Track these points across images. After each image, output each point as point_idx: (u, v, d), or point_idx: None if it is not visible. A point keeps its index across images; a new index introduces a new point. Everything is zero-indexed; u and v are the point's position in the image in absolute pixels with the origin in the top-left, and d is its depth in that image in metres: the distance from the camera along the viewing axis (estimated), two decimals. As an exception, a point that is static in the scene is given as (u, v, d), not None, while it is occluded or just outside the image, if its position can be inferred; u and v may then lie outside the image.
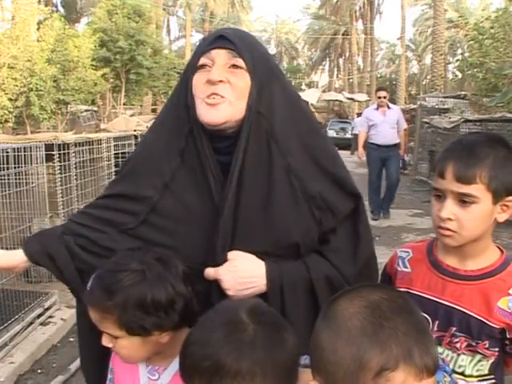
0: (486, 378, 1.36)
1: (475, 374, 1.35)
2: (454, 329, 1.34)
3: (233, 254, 1.27)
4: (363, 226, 1.41)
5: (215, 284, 1.28)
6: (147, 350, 1.21)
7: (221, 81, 1.25)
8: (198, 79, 1.28)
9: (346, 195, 1.37)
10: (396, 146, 8.13)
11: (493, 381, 1.37)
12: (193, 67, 1.31)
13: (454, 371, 1.32)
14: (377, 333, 0.83)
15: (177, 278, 1.18)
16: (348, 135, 23.61)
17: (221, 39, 1.29)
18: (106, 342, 1.20)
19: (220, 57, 1.27)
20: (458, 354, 1.35)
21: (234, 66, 1.27)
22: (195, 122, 1.29)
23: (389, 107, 8.17)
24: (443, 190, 1.30)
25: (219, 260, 1.27)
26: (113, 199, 1.40)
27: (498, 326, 1.31)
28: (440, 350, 1.35)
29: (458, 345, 1.35)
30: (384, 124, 7.95)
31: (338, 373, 0.85)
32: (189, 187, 1.31)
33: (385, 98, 8.09)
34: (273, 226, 1.28)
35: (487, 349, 1.33)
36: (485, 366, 1.35)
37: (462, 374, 1.35)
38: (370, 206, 7.94)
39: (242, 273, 1.26)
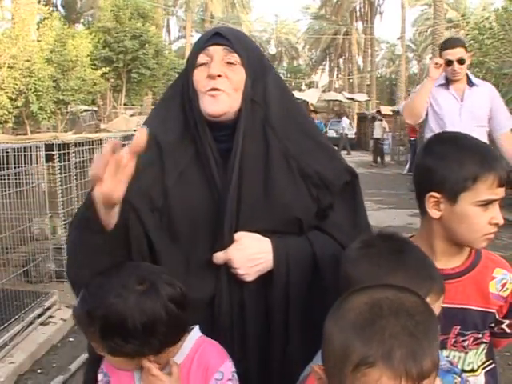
0: (486, 364, 1.40)
1: (480, 363, 1.39)
2: (459, 328, 1.36)
3: (238, 235, 1.34)
4: (359, 200, 1.50)
5: (224, 267, 1.33)
6: (137, 365, 1.22)
7: (219, 75, 1.36)
8: (199, 75, 1.40)
9: (342, 170, 1.46)
10: None
11: (493, 365, 1.41)
12: (192, 63, 1.42)
13: (463, 370, 1.32)
14: (365, 328, 0.84)
15: (159, 302, 1.16)
16: (349, 135, 23.69)
17: (217, 36, 1.41)
18: (98, 351, 1.23)
19: (217, 53, 1.38)
20: (466, 353, 1.37)
21: (230, 62, 1.38)
22: (198, 113, 1.39)
23: (471, 83, 3.92)
24: (498, 198, 1.28)
25: (227, 241, 1.33)
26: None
27: (494, 310, 1.36)
28: (445, 352, 1.36)
29: (465, 343, 1.36)
30: (462, 115, 3.84)
31: (330, 360, 0.88)
32: (197, 175, 1.38)
33: (461, 63, 3.77)
34: (274, 204, 1.35)
35: (488, 336, 1.38)
36: (483, 353, 1.39)
37: (471, 370, 1.37)
38: None
39: (250, 250, 1.33)
